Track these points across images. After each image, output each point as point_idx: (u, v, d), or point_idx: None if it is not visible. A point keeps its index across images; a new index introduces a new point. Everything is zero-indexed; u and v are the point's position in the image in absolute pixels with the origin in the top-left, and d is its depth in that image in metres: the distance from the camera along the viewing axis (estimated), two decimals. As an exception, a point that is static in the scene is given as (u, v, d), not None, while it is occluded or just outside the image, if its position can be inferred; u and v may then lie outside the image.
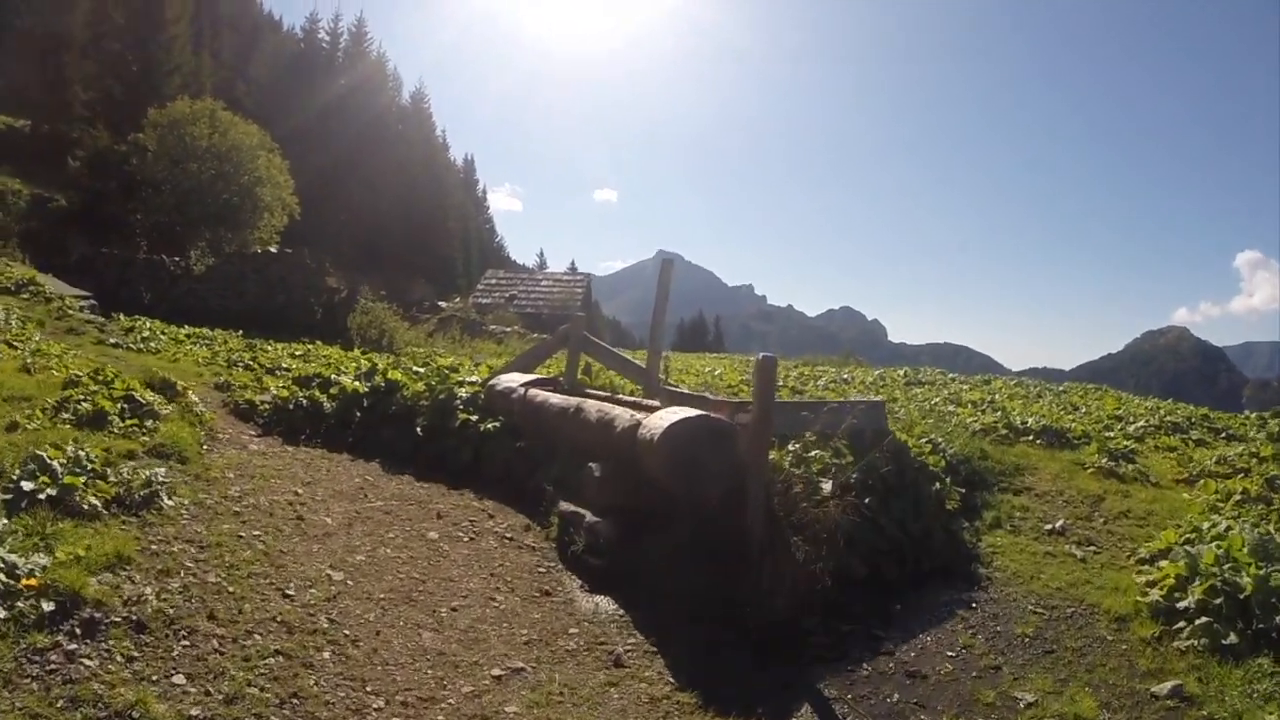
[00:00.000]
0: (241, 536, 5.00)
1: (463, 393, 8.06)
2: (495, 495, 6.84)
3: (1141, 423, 10.00)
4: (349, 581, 4.77)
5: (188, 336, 15.22)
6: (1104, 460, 7.71)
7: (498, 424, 7.42)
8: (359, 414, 8.26)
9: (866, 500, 6.04)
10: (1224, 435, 9.67)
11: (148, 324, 14.80)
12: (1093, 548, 6.11)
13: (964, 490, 6.91)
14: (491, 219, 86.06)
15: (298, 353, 14.75)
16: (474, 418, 7.60)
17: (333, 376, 9.13)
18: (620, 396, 7.16)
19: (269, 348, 14.81)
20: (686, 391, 7.05)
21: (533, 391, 7.34)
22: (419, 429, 7.77)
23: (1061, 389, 18.22)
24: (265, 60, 45.69)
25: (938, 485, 6.86)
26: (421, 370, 8.95)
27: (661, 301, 7.21)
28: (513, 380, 7.82)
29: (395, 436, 7.95)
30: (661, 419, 5.24)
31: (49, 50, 33.00)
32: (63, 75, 32.91)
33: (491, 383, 7.98)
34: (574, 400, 6.68)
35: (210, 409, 8.44)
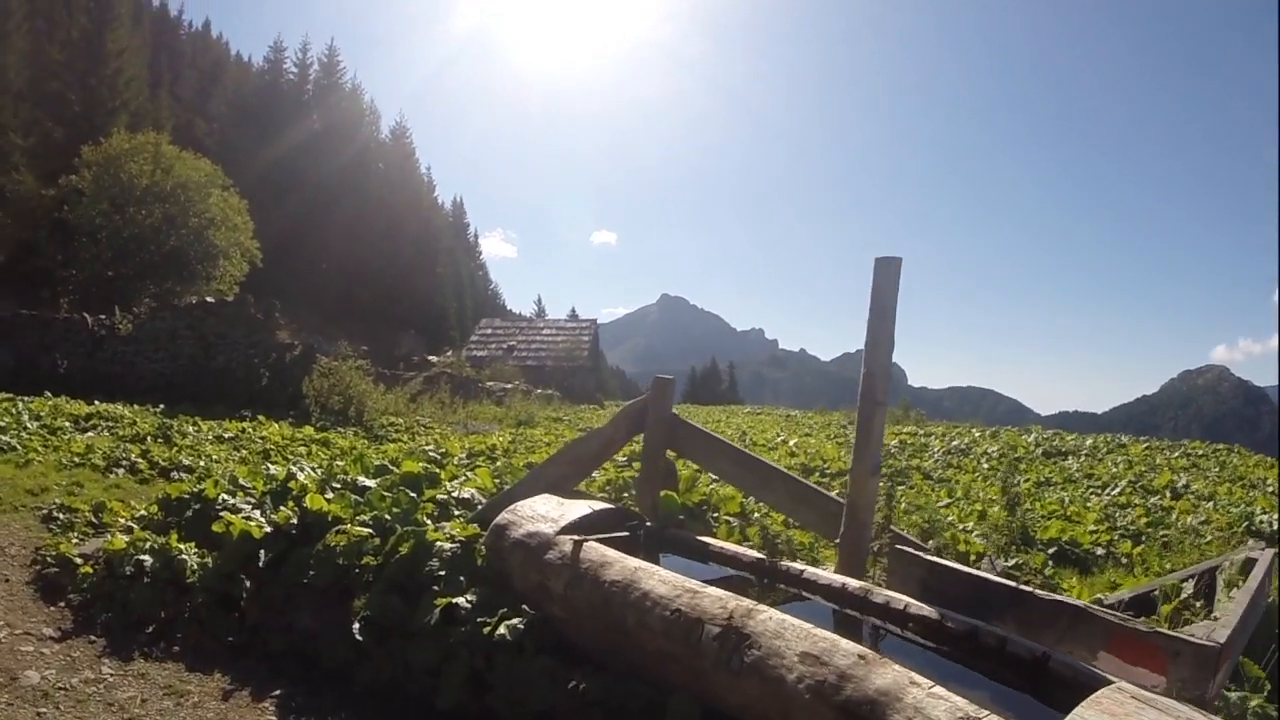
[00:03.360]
0: None
1: (445, 541, 4.12)
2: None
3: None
4: None
5: (86, 417, 11.27)
6: None
7: (520, 624, 3.46)
8: (249, 583, 4.37)
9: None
10: None
11: (18, 406, 10.86)
12: None
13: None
14: (484, 265, 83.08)
15: (228, 434, 10.80)
16: (469, 602, 3.69)
17: (221, 498, 5.20)
18: (806, 572, 3.24)
19: (189, 428, 10.87)
20: (989, 577, 2.95)
21: (593, 550, 3.45)
22: (359, 621, 3.86)
23: (1200, 453, 15.63)
24: (226, 96, 41.67)
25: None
26: (371, 486, 4.97)
27: (884, 334, 3.26)
28: (542, 516, 3.90)
29: (316, 630, 4.05)
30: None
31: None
32: (-1, 121, 29.37)
33: (502, 522, 3.97)
34: (711, 600, 2.79)
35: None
